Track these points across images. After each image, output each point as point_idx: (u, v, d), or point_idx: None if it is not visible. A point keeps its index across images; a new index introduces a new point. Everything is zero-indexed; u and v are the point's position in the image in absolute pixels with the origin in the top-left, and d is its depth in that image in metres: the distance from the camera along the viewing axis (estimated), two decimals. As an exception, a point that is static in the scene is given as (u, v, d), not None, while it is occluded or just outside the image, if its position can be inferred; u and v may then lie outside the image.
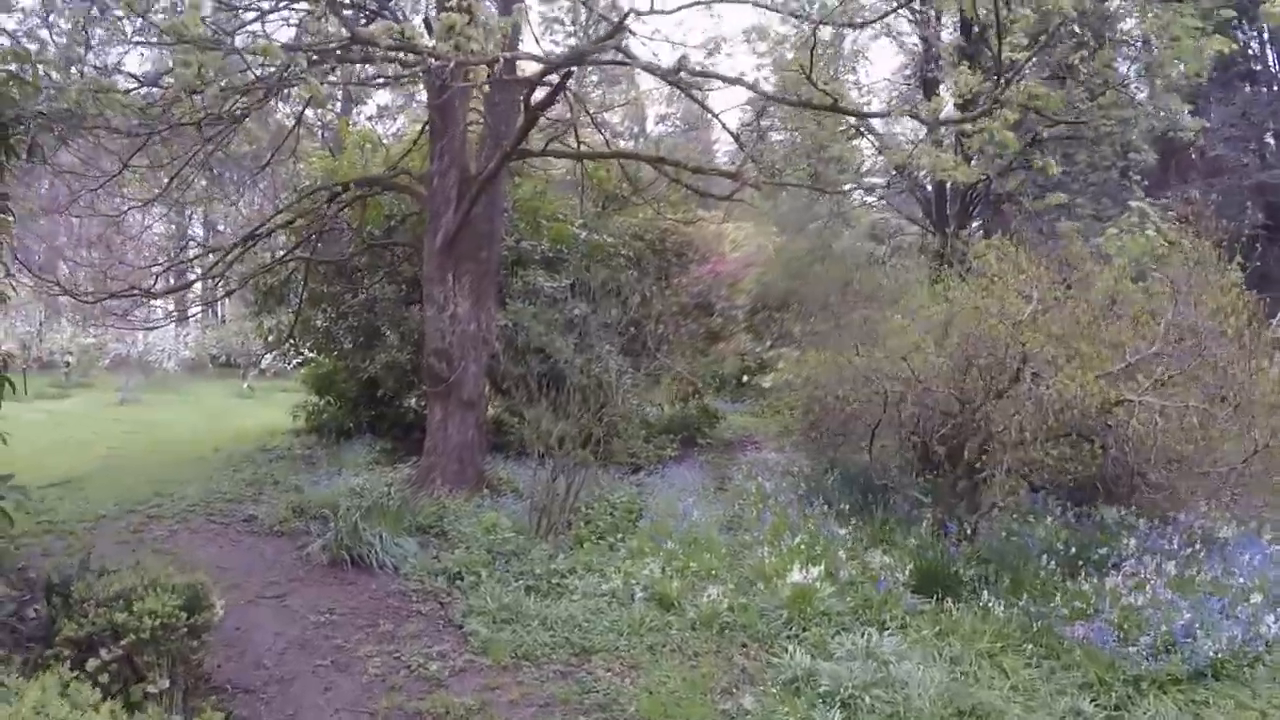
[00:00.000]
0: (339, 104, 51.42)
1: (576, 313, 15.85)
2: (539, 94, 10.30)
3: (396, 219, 16.50)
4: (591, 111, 16.90)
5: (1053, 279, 11.50)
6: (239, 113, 14.64)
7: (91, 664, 5.46)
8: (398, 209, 16.59)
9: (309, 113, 15.42)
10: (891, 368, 11.57)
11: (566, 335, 15.41)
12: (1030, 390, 9.76)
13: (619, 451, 14.84)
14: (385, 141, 20.32)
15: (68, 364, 36.81)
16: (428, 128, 13.59)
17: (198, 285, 19.45)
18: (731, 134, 14.61)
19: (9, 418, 23.65)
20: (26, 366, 33.73)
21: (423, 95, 17.73)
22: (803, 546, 9.79)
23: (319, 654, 7.57)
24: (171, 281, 16.76)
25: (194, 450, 17.46)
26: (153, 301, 17.97)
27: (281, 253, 16.43)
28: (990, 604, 8.54)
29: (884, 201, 31.71)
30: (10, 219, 8.02)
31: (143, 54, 15.04)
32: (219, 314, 55.37)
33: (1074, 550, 9.82)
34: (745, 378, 24.14)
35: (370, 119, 48.60)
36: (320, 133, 21.09)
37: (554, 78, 9.89)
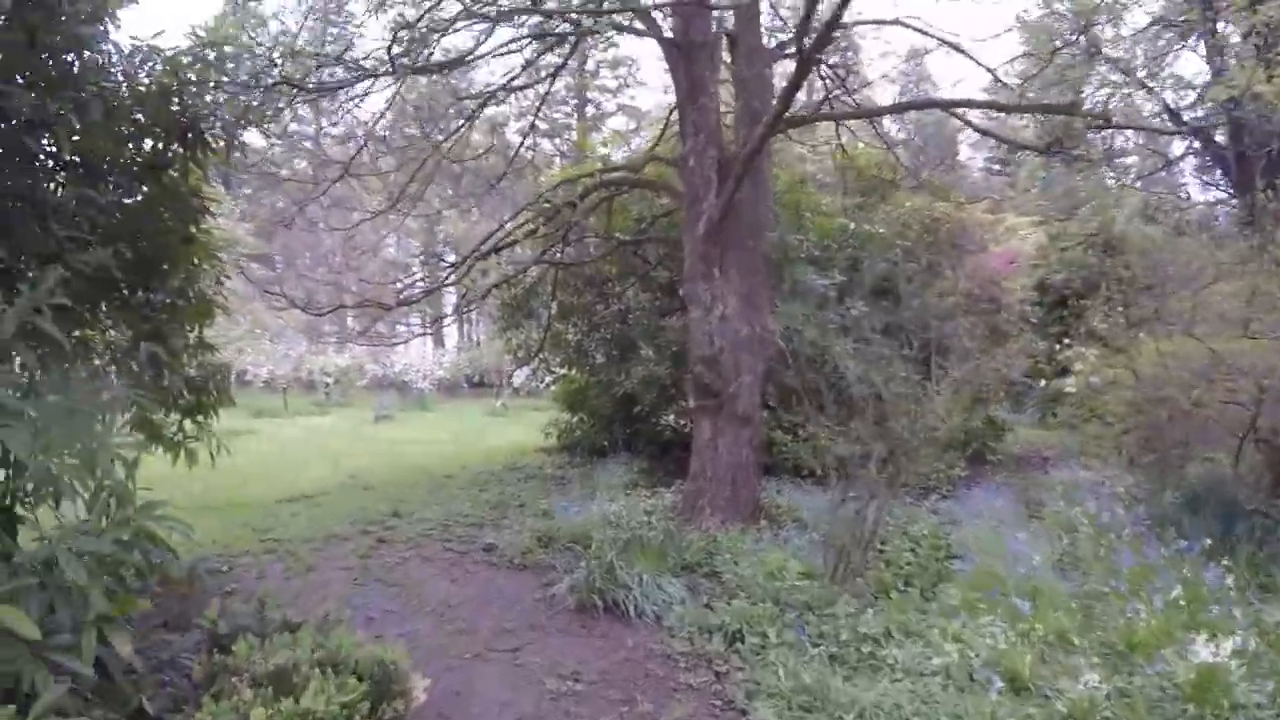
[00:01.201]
0: (575, 109, 51.67)
1: (853, 313, 13.87)
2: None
3: (646, 221, 15.06)
4: (844, 82, 14.91)
5: None
6: (469, 114, 13.94)
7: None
8: (647, 211, 15.19)
9: (540, 124, 14.29)
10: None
11: (843, 339, 13.47)
12: None
13: (906, 472, 12.74)
14: (625, 148, 18.97)
15: (327, 384, 38.28)
16: (675, 111, 11.99)
17: (441, 300, 18.97)
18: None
19: (266, 434, 23.78)
20: (287, 386, 35.40)
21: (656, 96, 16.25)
22: (1182, 601, 7.43)
23: (554, 743, 5.96)
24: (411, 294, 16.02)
25: (440, 468, 16.71)
26: (401, 321, 17.63)
27: (527, 264, 15.35)
28: None
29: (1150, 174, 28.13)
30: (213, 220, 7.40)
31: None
32: (473, 336, 56.87)
33: None
34: (1041, 381, 21.15)
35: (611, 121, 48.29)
36: (555, 141, 20.26)
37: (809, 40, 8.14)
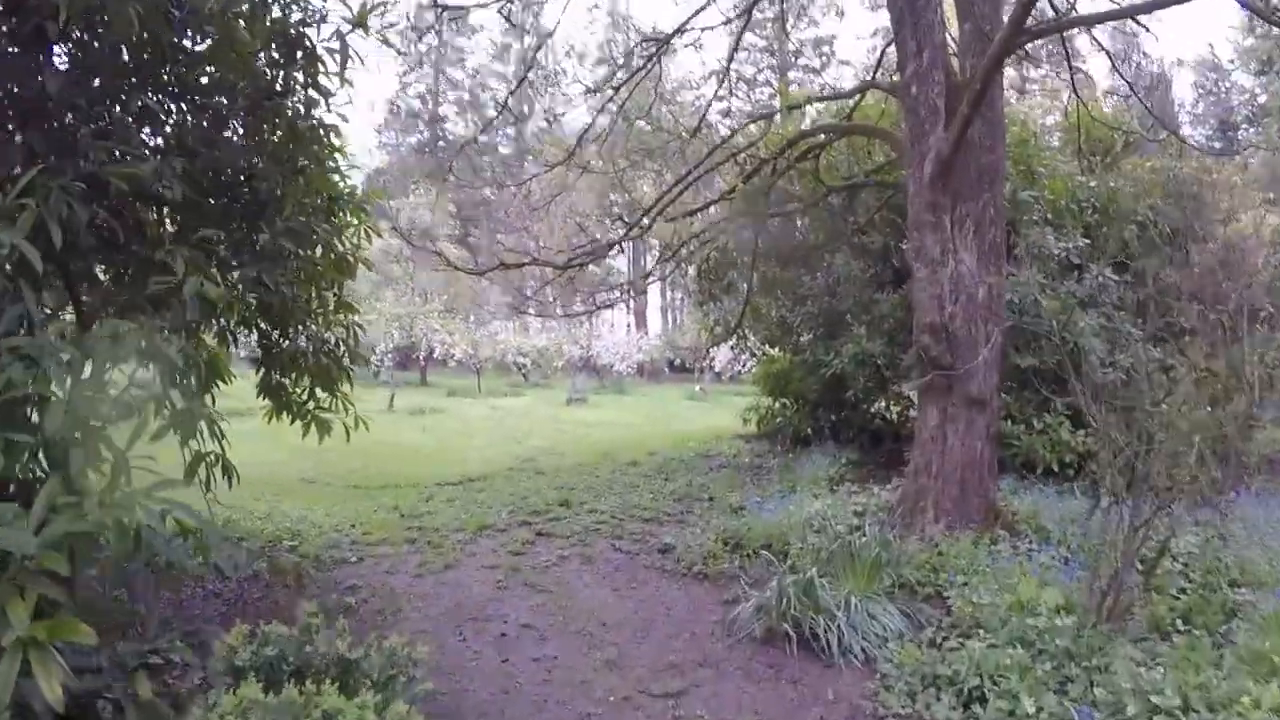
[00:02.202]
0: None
1: (1099, 280, 11.61)
2: None
3: (858, 177, 13.15)
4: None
5: None
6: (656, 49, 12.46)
7: None
8: (856, 168, 13.28)
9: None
10: None
11: (1086, 313, 11.22)
12: None
13: (1155, 475, 10.38)
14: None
15: (523, 366, 38.05)
16: (891, 28, 10.01)
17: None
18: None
19: (454, 413, 22.82)
20: (481, 367, 35.18)
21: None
22: None
23: None
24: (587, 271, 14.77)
25: (625, 454, 15.48)
26: (600, 290, 16.51)
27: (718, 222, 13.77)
28: None
29: None
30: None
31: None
32: (677, 320, 55.86)
33: None
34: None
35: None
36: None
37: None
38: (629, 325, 52.01)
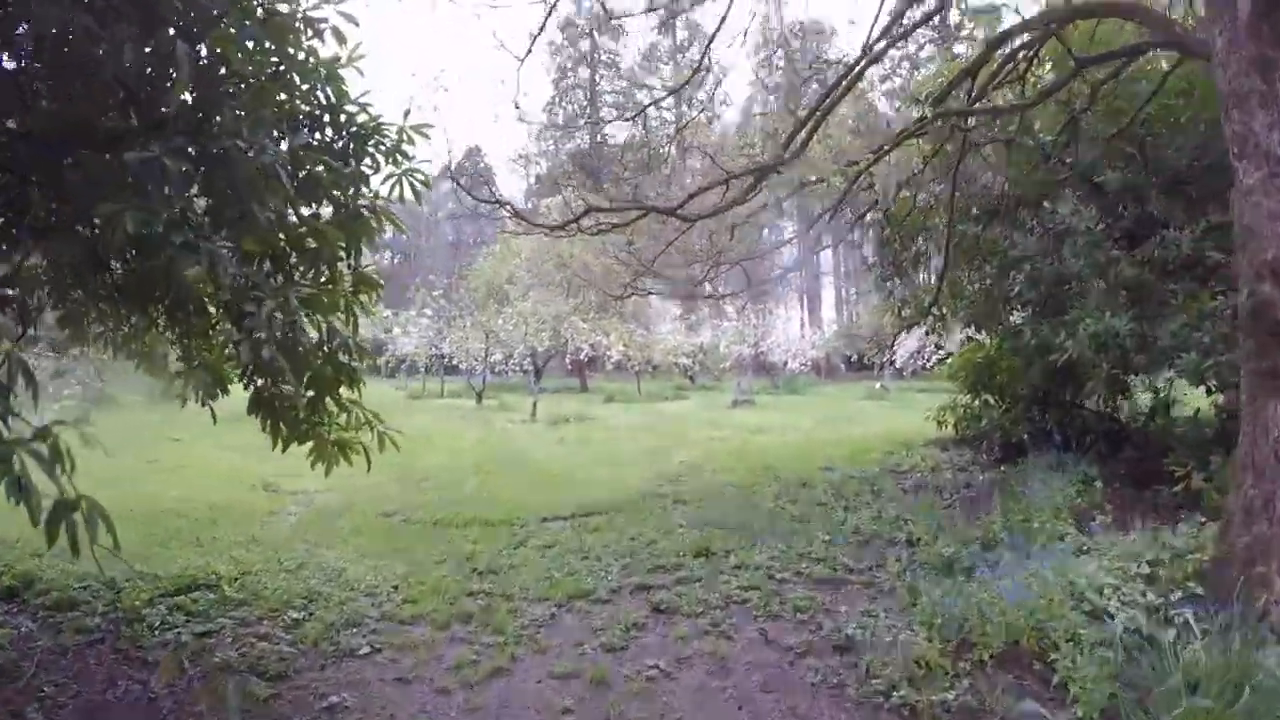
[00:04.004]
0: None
1: None
2: None
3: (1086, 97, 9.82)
4: None
5: None
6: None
7: None
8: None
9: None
10: None
11: None
12: None
13: None
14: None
15: (686, 367, 35.65)
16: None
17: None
18: None
19: (606, 421, 20.17)
20: (640, 369, 32.79)
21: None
22: None
23: None
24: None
25: (794, 468, 12.55)
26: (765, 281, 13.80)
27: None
28: None
29: None
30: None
31: None
32: (853, 315, 52.30)
33: None
34: None
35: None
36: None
37: None
38: (802, 321, 49.07)
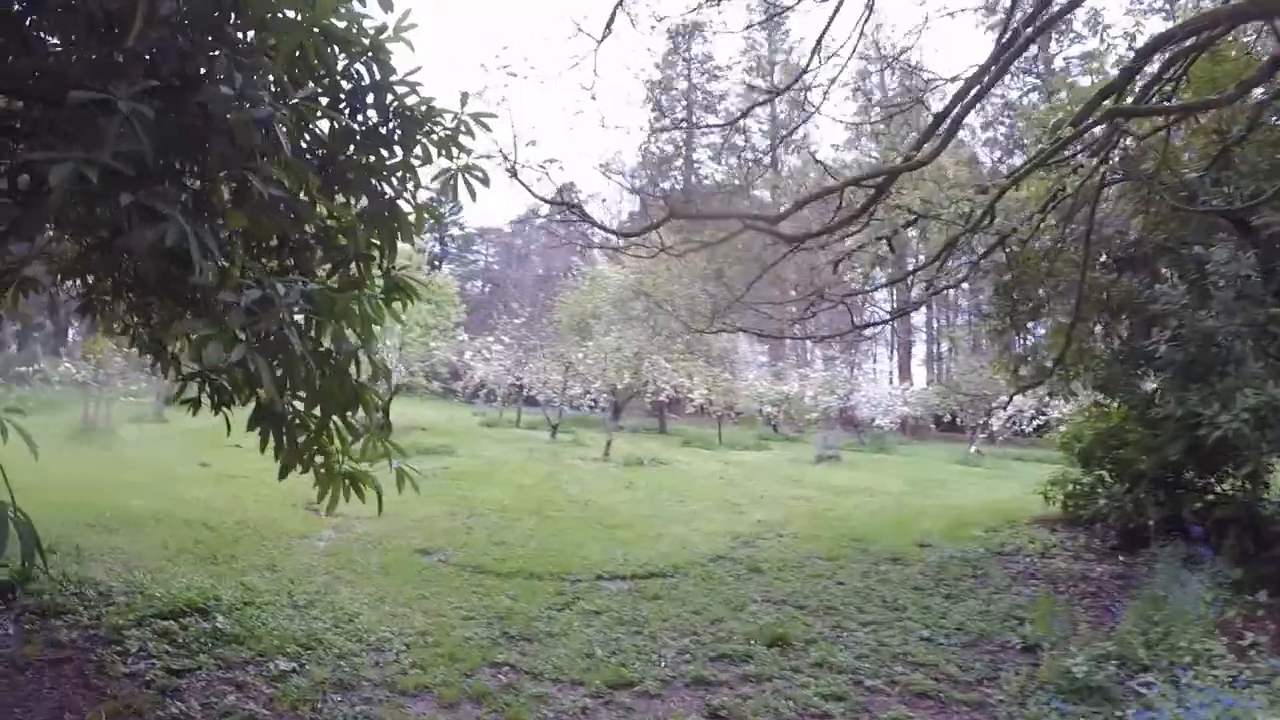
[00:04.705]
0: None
1: None
2: None
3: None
4: None
5: None
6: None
7: None
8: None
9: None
10: None
11: None
12: None
13: None
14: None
15: (770, 415, 34.32)
16: None
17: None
18: None
19: (680, 468, 18.84)
20: (722, 414, 31.60)
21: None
22: None
23: None
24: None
25: (882, 540, 11.32)
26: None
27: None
28: None
29: None
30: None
31: None
32: (944, 370, 50.43)
33: None
34: None
35: None
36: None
37: None
38: (891, 375, 47.47)
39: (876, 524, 12.65)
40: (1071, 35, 40.92)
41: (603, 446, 22.71)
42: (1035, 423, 27.54)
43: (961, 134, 11.84)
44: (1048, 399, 12.16)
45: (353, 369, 4.38)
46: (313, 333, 4.14)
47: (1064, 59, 42.54)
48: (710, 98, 60.32)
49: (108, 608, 6.12)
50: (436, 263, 33.29)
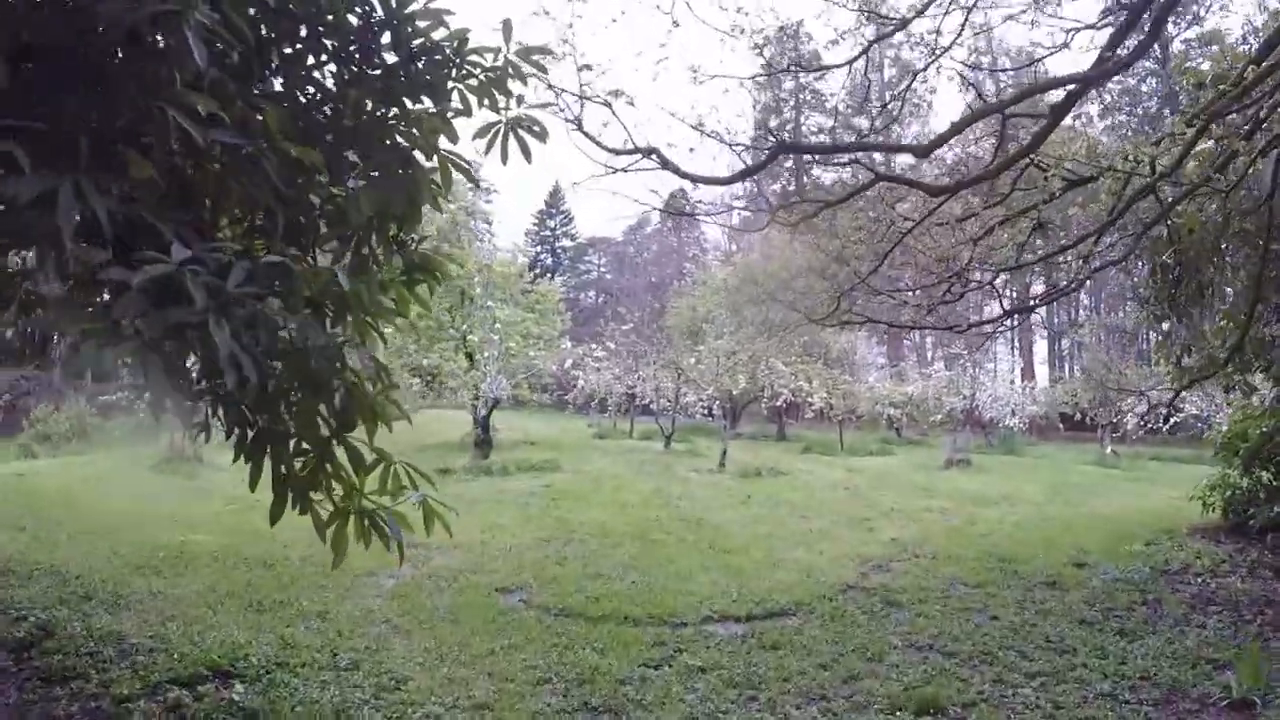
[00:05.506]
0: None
1: None
2: None
3: None
4: None
5: None
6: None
7: None
8: None
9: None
10: None
11: None
12: None
13: None
14: None
15: (893, 419, 33.09)
16: None
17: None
18: None
19: (800, 477, 20.05)
20: (844, 418, 30.54)
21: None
22: None
23: None
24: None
25: (1034, 558, 10.41)
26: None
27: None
28: None
29: None
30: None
31: None
32: (1067, 366, 48.17)
33: None
34: None
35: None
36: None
37: None
38: (1013, 374, 45.54)
39: (1023, 539, 11.68)
40: (1189, 17, 39.14)
41: (718, 456, 21.93)
42: (1172, 420, 25.85)
43: (1076, 123, 10.91)
44: (1247, 395, 11.08)
45: (360, 375, 3.65)
46: (291, 326, 3.21)
47: (1182, 41, 40.57)
48: (818, 97, 59.33)
49: (122, 670, 5.59)
50: (542, 270, 32.61)
